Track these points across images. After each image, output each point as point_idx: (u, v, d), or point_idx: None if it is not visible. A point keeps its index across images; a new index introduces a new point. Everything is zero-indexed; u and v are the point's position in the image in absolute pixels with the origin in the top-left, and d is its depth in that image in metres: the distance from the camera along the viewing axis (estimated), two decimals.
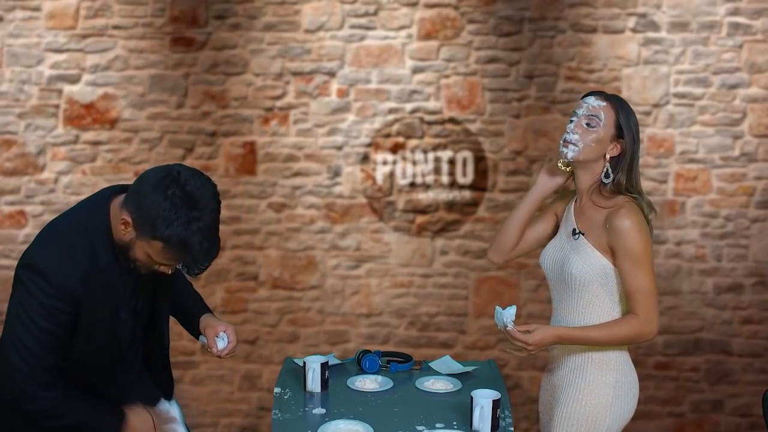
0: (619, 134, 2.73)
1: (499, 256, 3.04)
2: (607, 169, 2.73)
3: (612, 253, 2.69)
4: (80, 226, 2.42)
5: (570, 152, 2.74)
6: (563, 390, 2.79)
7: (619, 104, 2.76)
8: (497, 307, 2.69)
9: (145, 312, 2.62)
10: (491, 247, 3.05)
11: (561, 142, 2.77)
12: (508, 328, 2.65)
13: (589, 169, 2.77)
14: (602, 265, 2.71)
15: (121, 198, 2.42)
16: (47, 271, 2.34)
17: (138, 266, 2.41)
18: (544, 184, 2.93)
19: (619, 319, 2.71)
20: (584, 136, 2.72)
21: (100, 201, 2.46)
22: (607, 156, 2.73)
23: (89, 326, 2.42)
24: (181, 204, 2.28)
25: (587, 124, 2.73)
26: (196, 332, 2.83)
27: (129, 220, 2.33)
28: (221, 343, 2.75)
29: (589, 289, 2.73)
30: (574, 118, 2.77)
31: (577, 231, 2.77)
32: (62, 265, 2.36)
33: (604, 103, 2.75)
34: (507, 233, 2.98)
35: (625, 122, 2.73)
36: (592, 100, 2.76)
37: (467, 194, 4.89)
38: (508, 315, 2.65)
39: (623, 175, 2.73)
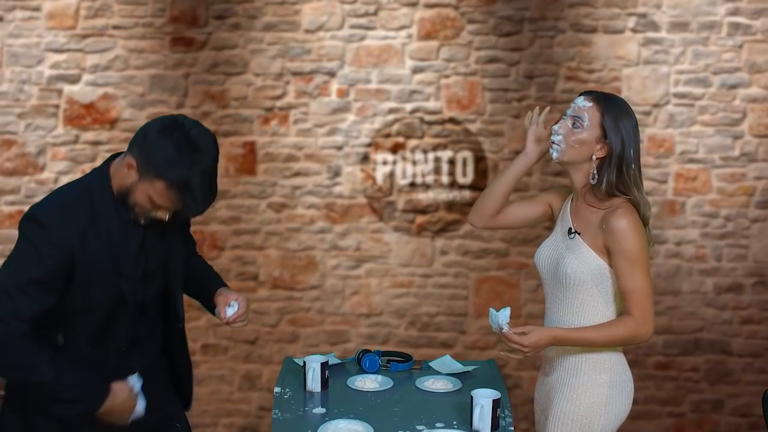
0: (605, 135, 2.68)
1: (478, 220, 3.01)
2: (593, 171, 2.70)
3: (608, 253, 2.68)
4: (82, 185, 2.56)
5: (554, 153, 2.73)
6: (558, 390, 2.78)
7: (606, 105, 2.70)
8: (491, 309, 2.67)
9: (158, 278, 2.66)
10: (472, 210, 3.03)
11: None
12: (503, 330, 2.64)
13: (580, 169, 2.74)
14: (597, 265, 2.69)
15: (120, 157, 2.56)
16: (47, 221, 2.44)
17: (137, 213, 2.49)
18: (532, 149, 2.90)
19: (615, 320, 2.70)
20: (568, 137, 2.70)
21: (101, 165, 2.60)
22: (594, 157, 2.70)
23: (88, 278, 2.48)
24: (185, 148, 2.40)
25: (572, 125, 2.70)
26: (212, 308, 2.88)
27: (134, 162, 2.44)
28: (230, 311, 2.77)
29: (583, 288, 2.72)
30: (563, 118, 2.75)
31: (573, 230, 2.76)
32: (62, 216, 2.46)
33: (590, 104, 2.70)
34: (490, 196, 2.96)
35: (611, 123, 2.67)
36: (580, 101, 2.72)
37: (467, 194, 4.89)
38: (502, 317, 2.63)
39: (613, 176, 2.68)
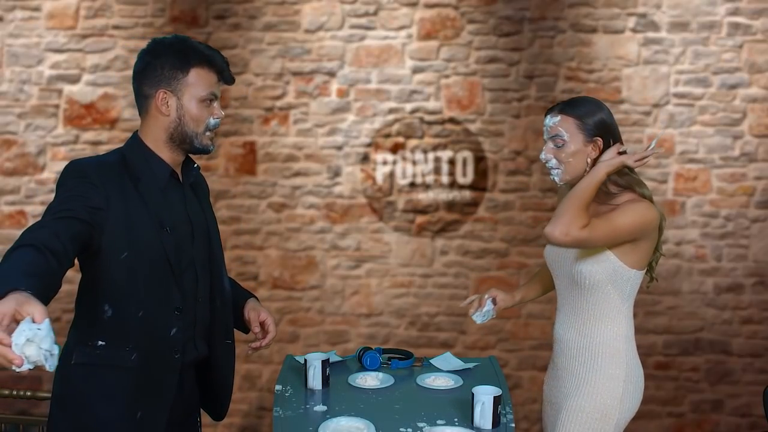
0: (589, 135, 2.69)
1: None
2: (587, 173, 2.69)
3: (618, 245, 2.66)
4: (115, 151, 2.61)
5: (556, 177, 2.75)
6: (573, 384, 2.76)
7: (572, 109, 2.71)
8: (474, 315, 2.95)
9: (201, 241, 2.63)
10: None
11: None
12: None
13: (578, 179, 2.71)
14: (611, 263, 2.67)
15: (142, 121, 2.62)
16: (86, 169, 2.44)
17: (203, 137, 2.57)
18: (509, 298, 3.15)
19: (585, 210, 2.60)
20: (559, 156, 2.71)
21: (129, 138, 2.65)
22: (589, 160, 2.69)
23: (130, 234, 2.42)
24: (178, 41, 2.59)
25: (555, 145, 2.71)
26: (239, 319, 2.87)
27: (163, 89, 2.55)
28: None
29: (599, 288, 2.69)
30: (545, 143, 2.77)
31: None
32: (100, 167, 2.47)
33: (558, 117, 2.71)
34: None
35: (588, 119, 2.69)
36: (548, 120, 2.74)
37: (467, 194, 4.89)
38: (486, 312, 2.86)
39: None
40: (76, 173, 2.42)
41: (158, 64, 2.56)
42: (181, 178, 2.63)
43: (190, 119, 2.55)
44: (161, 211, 2.50)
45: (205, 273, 2.64)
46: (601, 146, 2.68)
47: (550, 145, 2.72)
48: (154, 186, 2.52)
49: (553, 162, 2.72)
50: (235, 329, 2.88)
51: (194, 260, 2.59)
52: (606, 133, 2.69)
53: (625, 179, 2.69)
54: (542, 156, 2.75)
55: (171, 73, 2.54)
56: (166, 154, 2.57)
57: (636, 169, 2.72)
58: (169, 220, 2.51)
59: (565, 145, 2.69)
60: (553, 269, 2.86)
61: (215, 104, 2.59)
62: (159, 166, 2.55)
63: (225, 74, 2.60)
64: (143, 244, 2.44)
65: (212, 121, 2.58)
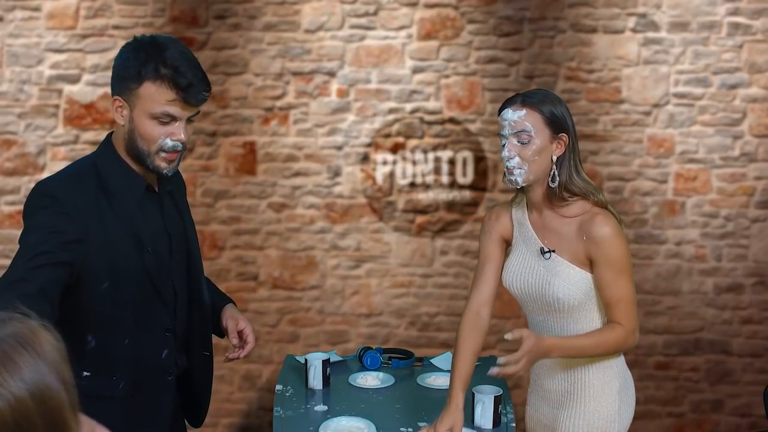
0: (555, 130, 2.51)
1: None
2: (554, 172, 2.52)
3: (589, 263, 2.54)
4: (87, 160, 2.39)
5: (519, 177, 2.52)
6: (564, 404, 2.69)
7: (536, 102, 2.51)
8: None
9: (180, 253, 2.46)
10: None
11: (504, 171, 2.56)
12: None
13: (540, 180, 2.56)
14: (587, 281, 2.57)
15: (114, 129, 2.41)
16: (57, 192, 2.23)
17: (157, 158, 2.29)
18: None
19: (606, 329, 2.54)
20: (524, 154, 2.49)
21: (102, 141, 2.43)
22: (554, 158, 2.51)
23: (109, 256, 2.25)
24: (149, 45, 2.27)
25: (519, 142, 2.49)
26: (217, 325, 2.70)
27: (117, 98, 2.29)
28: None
29: (578, 307, 2.58)
30: (504, 141, 2.53)
31: (546, 249, 2.60)
32: (72, 187, 2.25)
33: (523, 111, 2.49)
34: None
35: (554, 113, 2.50)
36: (510, 114, 2.51)
37: (467, 194, 4.89)
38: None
39: (568, 171, 2.52)
40: (47, 200, 2.21)
41: (120, 66, 2.29)
42: (157, 188, 2.41)
43: (139, 135, 2.27)
44: (139, 228, 2.31)
45: (183, 285, 2.48)
46: (567, 142, 2.52)
47: (514, 141, 2.49)
48: (130, 199, 2.32)
49: (516, 161, 2.50)
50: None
51: (171, 273, 2.42)
52: (569, 128, 2.54)
53: (580, 187, 2.55)
54: (504, 154, 2.51)
55: (125, 83, 2.26)
56: (134, 165, 2.34)
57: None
58: (148, 237, 2.32)
59: (531, 142, 2.49)
60: (520, 298, 2.72)
61: (178, 125, 2.28)
62: (134, 178, 2.33)
63: (188, 95, 2.26)
64: (125, 271, 2.27)
65: (169, 142, 2.27)
